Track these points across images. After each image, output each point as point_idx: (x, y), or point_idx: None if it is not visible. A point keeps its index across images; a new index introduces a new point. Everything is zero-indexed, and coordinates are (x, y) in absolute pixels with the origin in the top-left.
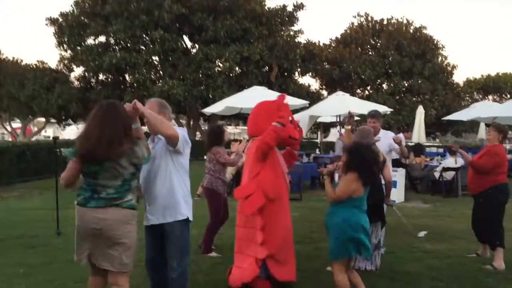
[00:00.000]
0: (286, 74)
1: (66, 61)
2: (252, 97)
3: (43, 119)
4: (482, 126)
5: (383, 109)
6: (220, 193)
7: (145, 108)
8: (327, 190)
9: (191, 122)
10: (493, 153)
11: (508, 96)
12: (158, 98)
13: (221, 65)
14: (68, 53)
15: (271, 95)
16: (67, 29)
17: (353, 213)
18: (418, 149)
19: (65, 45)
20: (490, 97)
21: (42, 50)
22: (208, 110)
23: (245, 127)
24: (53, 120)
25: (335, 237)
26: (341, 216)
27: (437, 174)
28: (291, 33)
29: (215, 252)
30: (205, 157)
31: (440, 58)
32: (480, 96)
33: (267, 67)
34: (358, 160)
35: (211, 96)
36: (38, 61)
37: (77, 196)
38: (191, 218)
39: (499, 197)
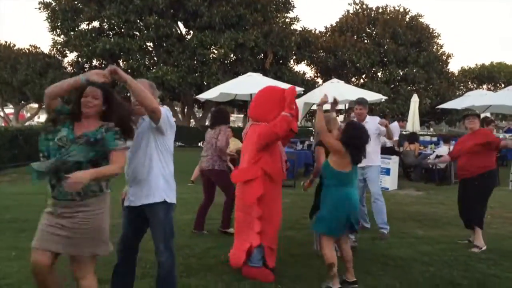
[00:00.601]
0: (281, 61)
1: (59, 46)
2: (247, 83)
3: (36, 105)
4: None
5: (377, 97)
6: (225, 171)
7: (128, 76)
8: (318, 118)
9: (185, 109)
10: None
11: (503, 85)
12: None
13: (215, 51)
14: (61, 38)
15: (266, 81)
16: (60, 14)
17: (348, 191)
18: (412, 138)
19: (58, 30)
20: (485, 86)
21: (34, 34)
22: (203, 96)
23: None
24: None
25: (333, 215)
26: (338, 194)
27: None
28: (287, 20)
29: (232, 228)
30: (199, 144)
31: (435, 47)
32: (475, 85)
33: (262, 54)
34: (350, 137)
35: (205, 83)
36: (30, 45)
37: None
38: (173, 201)
39: (493, 181)
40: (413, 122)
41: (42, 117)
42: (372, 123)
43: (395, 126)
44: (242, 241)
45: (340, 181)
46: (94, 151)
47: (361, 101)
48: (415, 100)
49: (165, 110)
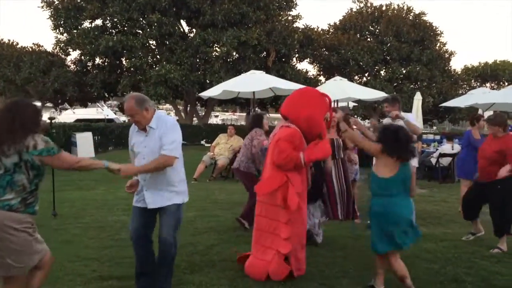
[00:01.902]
0: (283, 59)
1: (62, 44)
2: (250, 81)
3: (39, 103)
4: (480, 113)
5: (380, 95)
6: (250, 172)
7: (136, 170)
8: (352, 138)
9: (188, 107)
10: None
11: (506, 83)
12: (133, 94)
13: (218, 49)
14: (64, 36)
15: (269, 79)
16: (63, 12)
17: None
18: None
19: (61, 28)
20: (488, 84)
21: (37, 32)
22: (205, 94)
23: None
24: (49, 104)
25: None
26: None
27: (433, 160)
28: (289, 18)
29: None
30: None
31: (438, 45)
32: (478, 83)
33: (265, 52)
34: (386, 139)
35: (208, 81)
36: (34, 43)
37: None
38: (185, 201)
39: None
40: (416, 120)
41: (45, 115)
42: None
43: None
44: (263, 248)
45: (383, 189)
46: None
47: (385, 99)
48: (418, 98)
49: (174, 139)
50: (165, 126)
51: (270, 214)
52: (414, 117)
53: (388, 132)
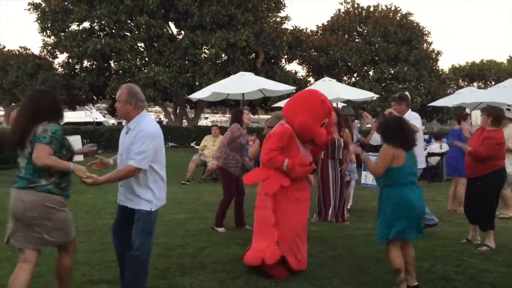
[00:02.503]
0: (272, 61)
1: (49, 47)
2: (239, 83)
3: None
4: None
5: (369, 95)
6: (232, 173)
7: (101, 181)
8: (371, 168)
9: (178, 110)
10: (490, 142)
11: (493, 82)
12: (132, 85)
13: (207, 51)
14: (51, 39)
15: (258, 81)
16: (50, 15)
17: (408, 188)
18: None
19: (48, 31)
20: (475, 84)
21: (24, 35)
22: (195, 96)
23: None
24: None
25: (393, 217)
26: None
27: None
28: (278, 19)
29: (224, 228)
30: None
31: (425, 45)
32: (465, 83)
33: (254, 54)
34: (389, 131)
35: (197, 83)
36: (21, 47)
37: None
38: (154, 208)
39: (499, 180)
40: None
41: None
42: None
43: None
44: (262, 239)
45: (395, 179)
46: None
47: (392, 98)
48: None
49: (145, 135)
50: (138, 133)
51: (261, 203)
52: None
53: (391, 123)
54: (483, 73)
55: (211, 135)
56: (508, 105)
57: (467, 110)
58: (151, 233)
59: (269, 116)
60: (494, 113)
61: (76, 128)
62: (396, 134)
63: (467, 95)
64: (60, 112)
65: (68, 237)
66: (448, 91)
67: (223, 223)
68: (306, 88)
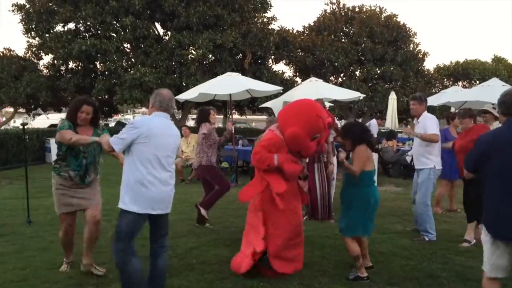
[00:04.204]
0: (260, 61)
1: (34, 49)
2: (226, 83)
3: (11, 109)
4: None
5: (356, 95)
6: (211, 165)
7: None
8: (351, 170)
9: None
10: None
11: (477, 82)
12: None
13: (194, 52)
14: (36, 40)
15: (245, 81)
16: (34, 16)
17: (373, 189)
18: (390, 135)
19: (33, 32)
20: (460, 83)
21: (9, 37)
22: (181, 97)
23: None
24: (21, 110)
25: (367, 215)
26: (368, 193)
27: (408, 159)
28: (264, 20)
29: (209, 223)
30: None
31: (411, 45)
32: (450, 82)
33: (241, 55)
34: (360, 133)
35: (184, 84)
36: (5, 48)
37: None
38: (129, 208)
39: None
40: (392, 120)
41: (18, 121)
42: (422, 120)
43: (373, 123)
44: (245, 246)
45: (366, 181)
46: (99, 148)
47: (413, 97)
48: (393, 98)
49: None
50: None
51: (252, 208)
52: (390, 116)
53: (355, 129)
54: (468, 72)
55: (183, 138)
56: (492, 104)
57: (452, 109)
58: (119, 237)
59: (256, 117)
60: (471, 114)
61: None
62: (366, 135)
63: (452, 94)
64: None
65: None
66: (434, 91)
67: (209, 209)
68: (293, 88)
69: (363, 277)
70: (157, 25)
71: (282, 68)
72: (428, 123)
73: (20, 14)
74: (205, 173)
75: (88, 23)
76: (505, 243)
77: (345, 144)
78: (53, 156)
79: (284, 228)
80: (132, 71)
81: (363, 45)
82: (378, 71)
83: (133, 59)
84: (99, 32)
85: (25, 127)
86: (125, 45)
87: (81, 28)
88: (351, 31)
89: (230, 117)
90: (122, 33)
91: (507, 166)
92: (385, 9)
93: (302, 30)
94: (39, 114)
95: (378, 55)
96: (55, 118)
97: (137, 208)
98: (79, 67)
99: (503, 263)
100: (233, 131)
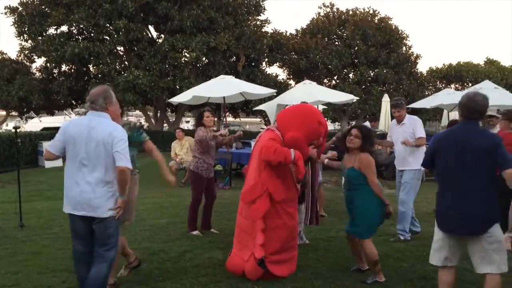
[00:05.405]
0: (253, 64)
1: (26, 52)
2: (220, 86)
3: (3, 112)
4: (445, 114)
5: (349, 98)
6: (202, 176)
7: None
8: (376, 188)
9: (158, 114)
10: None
11: (470, 84)
12: (103, 87)
13: (187, 55)
14: (28, 43)
15: (239, 84)
16: (27, 19)
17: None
18: (384, 137)
19: (25, 35)
20: (453, 85)
21: (1, 40)
22: (175, 99)
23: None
24: (14, 113)
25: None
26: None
27: None
28: (258, 22)
29: (198, 231)
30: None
31: (404, 48)
32: (443, 85)
33: (234, 57)
34: (371, 142)
35: (178, 87)
36: None
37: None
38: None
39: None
40: (385, 122)
41: (10, 125)
42: (409, 123)
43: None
44: (242, 247)
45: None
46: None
47: (395, 104)
48: (386, 100)
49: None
50: None
51: (248, 215)
52: (383, 119)
53: (371, 135)
54: (460, 75)
55: (177, 140)
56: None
57: (445, 112)
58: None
59: (250, 119)
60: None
61: (55, 133)
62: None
63: (444, 96)
64: None
65: None
66: (427, 93)
67: (196, 226)
68: (287, 91)
69: (382, 282)
70: (151, 28)
71: (275, 70)
72: (418, 128)
73: (13, 17)
74: (190, 178)
75: (81, 26)
76: (448, 235)
77: (339, 144)
78: (47, 161)
79: (282, 232)
80: (125, 74)
81: (356, 47)
82: (372, 74)
83: (126, 62)
84: (92, 35)
85: (18, 130)
86: (119, 48)
87: (74, 31)
88: (345, 34)
89: (224, 120)
90: (115, 36)
91: (449, 165)
92: (378, 12)
93: (296, 33)
94: (32, 117)
95: (371, 57)
96: (48, 121)
97: (65, 208)
98: (72, 70)
99: (444, 254)
100: (228, 134)
